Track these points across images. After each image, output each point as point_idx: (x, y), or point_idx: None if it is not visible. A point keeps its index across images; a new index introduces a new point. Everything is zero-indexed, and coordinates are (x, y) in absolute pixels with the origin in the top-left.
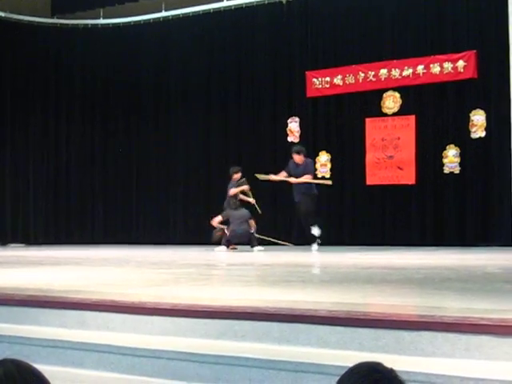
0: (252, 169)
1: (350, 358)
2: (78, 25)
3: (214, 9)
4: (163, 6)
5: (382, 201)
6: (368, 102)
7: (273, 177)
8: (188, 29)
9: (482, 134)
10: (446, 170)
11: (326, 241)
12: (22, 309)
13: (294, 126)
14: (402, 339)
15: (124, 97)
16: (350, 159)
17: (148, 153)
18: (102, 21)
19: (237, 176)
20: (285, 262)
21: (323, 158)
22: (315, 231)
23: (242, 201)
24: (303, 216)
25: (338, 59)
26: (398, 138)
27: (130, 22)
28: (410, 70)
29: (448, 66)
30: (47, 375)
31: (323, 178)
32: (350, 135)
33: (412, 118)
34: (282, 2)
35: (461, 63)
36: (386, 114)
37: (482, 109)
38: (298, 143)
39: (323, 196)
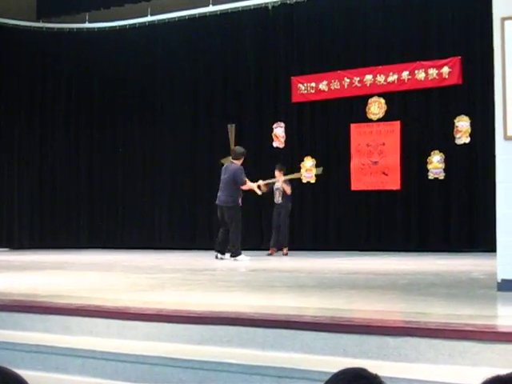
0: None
1: (335, 363)
2: (63, 29)
3: (199, 14)
4: (149, 10)
5: (367, 206)
6: (353, 107)
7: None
8: (173, 33)
9: (467, 139)
10: (431, 176)
11: (312, 246)
12: (6, 314)
13: (279, 131)
14: (387, 345)
15: (110, 100)
16: (335, 164)
17: (134, 157)
18: (87, 25)
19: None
20: (269, 267)
21: (308, 163)
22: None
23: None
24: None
25: (324, 65)
26: (383, 144)
27: (115, 27)
28: (395, 76)
29: (433, 72)
30: (31, 381)
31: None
32: (335, 140)
33: (397, 124)
34: (267, 8)
35: (446, 69)
36: (371, 120)
37: (466, 115)
38: (283, 148)
39: (308, 200)
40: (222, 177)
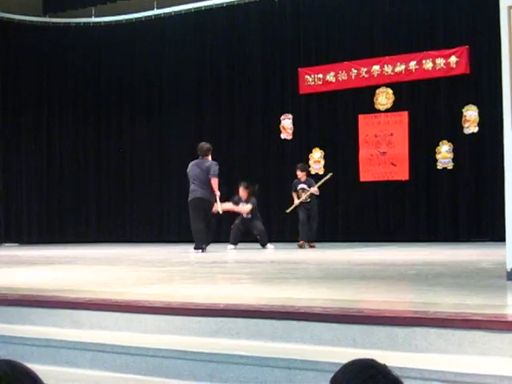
0: (245, 166)
1: (344, 354)
2: (69, 23)
3: (205, 6)
4: (155, 3)
5: (376, 197)
6: (361, 98)
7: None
8: (180, 26)
9: (475, 129)
10: (439, 166)
11: (320, 238)
12: (16, 308)
13: (287, 122)
14: (396, 335)
15: (117, 95)
16: (344, 156)
17: (141, 151)
18: (93, 19)
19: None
20: (278, 259)
21: (317, 154)
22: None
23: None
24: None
25: (331, 56)
26: (391, 134)
27: (122, 20)
28: (403, 66)
29: (440, 61)
30: (41, 375)
31: None
32: (343, 132)
33: (405, 114)
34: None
35: (453, 59)
36: (378, 111)
37: (474, 104)
38: (291, 140)
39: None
40: (194, 173)
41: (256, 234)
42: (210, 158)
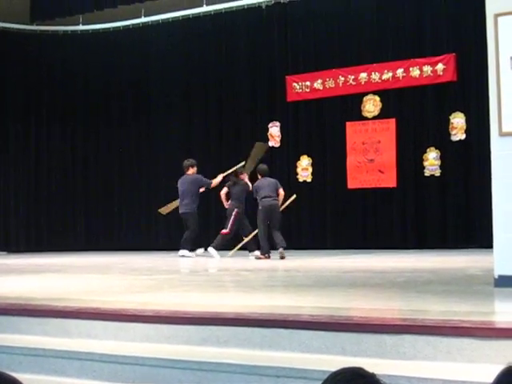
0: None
1: (333, 362)
2: (57, 31)
3: (193, 14)
4: (142, 11)
5: (364, 204)
6: (348, 105)
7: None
8: (167, 34)
9: (462, 136)
10: (427, 173)
11: (309, 245)
12: (3, 317)
13: (274, 130)
14: (384, 343)
15: (104, 102)
16: (331, 163)
17: (129, 159)
18: (81, 27)
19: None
20: (266, 266)
21: (304, 162)
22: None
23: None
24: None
25: (318, 63)
26: (379, 142)
27: (109, 28)
28: (390, 74)
29: (427, 69)
30: None
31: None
32: (330, 139)
33: (392, 122)
34: (261, 7)
35: (440, 66)
36: (366, 118)
37: (461, 111)
38: (278, 148)
39: (305, 200)
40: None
41: (243, 235)
42: (190, 172)
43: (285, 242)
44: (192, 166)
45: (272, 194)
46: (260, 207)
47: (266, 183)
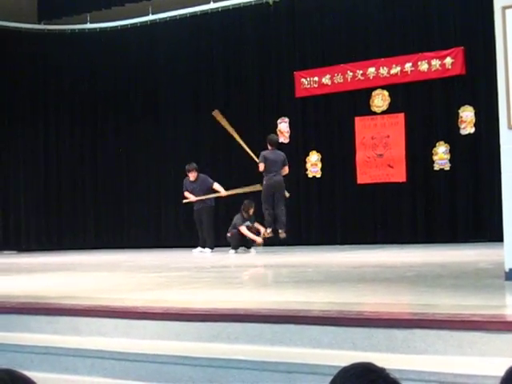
0: (242, 170)
1: (343, 357)
2: (65, 30)
3: (200, 11)
4: (150, 9)
5: (373, 199)
6: (357, 100)
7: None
8: (175, 31)
9: (472, 130)
10: (436, 167)
11: (319, 240)
12: (14, 316)
13: (283, 126)
14: (395, 337)
15: (113, 101)
16: (341, 158)
17: (138, 156)
18: (88, 25)
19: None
20: (276, 263)
21: (313, 157)
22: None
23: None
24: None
25: (326, 59)
26: (388, 136)
27: (117, 26)
28: (398, 68)
29: (436, 63)
30: (40, 382)
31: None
32: (339, 134)
33: (401, 116)
34: (268, 3)
35: (448, 60)
36: (375, 113)
37: (470, 105)
38: (287, 143)
39: (314, 195)
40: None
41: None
42: (191, 175)
43: (284, 225)
44: (196, 170)
45: (278, 169)
46: (264, 182)
47: (274, 157)
